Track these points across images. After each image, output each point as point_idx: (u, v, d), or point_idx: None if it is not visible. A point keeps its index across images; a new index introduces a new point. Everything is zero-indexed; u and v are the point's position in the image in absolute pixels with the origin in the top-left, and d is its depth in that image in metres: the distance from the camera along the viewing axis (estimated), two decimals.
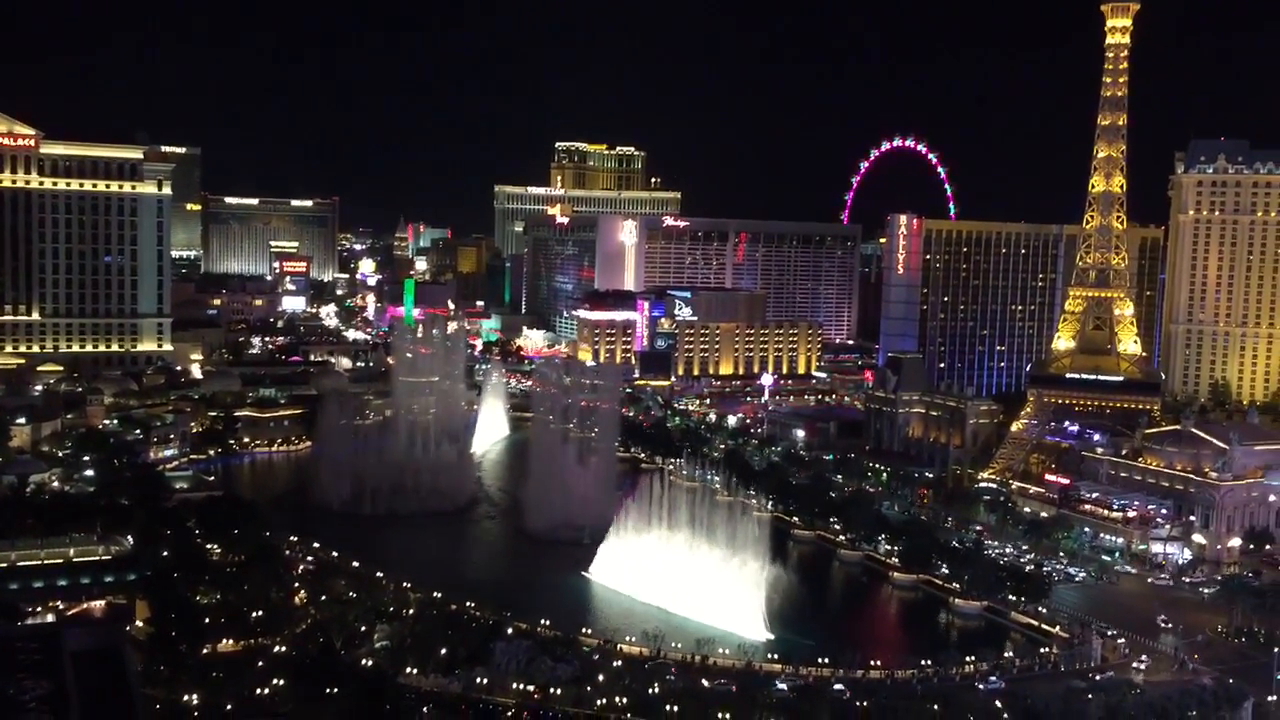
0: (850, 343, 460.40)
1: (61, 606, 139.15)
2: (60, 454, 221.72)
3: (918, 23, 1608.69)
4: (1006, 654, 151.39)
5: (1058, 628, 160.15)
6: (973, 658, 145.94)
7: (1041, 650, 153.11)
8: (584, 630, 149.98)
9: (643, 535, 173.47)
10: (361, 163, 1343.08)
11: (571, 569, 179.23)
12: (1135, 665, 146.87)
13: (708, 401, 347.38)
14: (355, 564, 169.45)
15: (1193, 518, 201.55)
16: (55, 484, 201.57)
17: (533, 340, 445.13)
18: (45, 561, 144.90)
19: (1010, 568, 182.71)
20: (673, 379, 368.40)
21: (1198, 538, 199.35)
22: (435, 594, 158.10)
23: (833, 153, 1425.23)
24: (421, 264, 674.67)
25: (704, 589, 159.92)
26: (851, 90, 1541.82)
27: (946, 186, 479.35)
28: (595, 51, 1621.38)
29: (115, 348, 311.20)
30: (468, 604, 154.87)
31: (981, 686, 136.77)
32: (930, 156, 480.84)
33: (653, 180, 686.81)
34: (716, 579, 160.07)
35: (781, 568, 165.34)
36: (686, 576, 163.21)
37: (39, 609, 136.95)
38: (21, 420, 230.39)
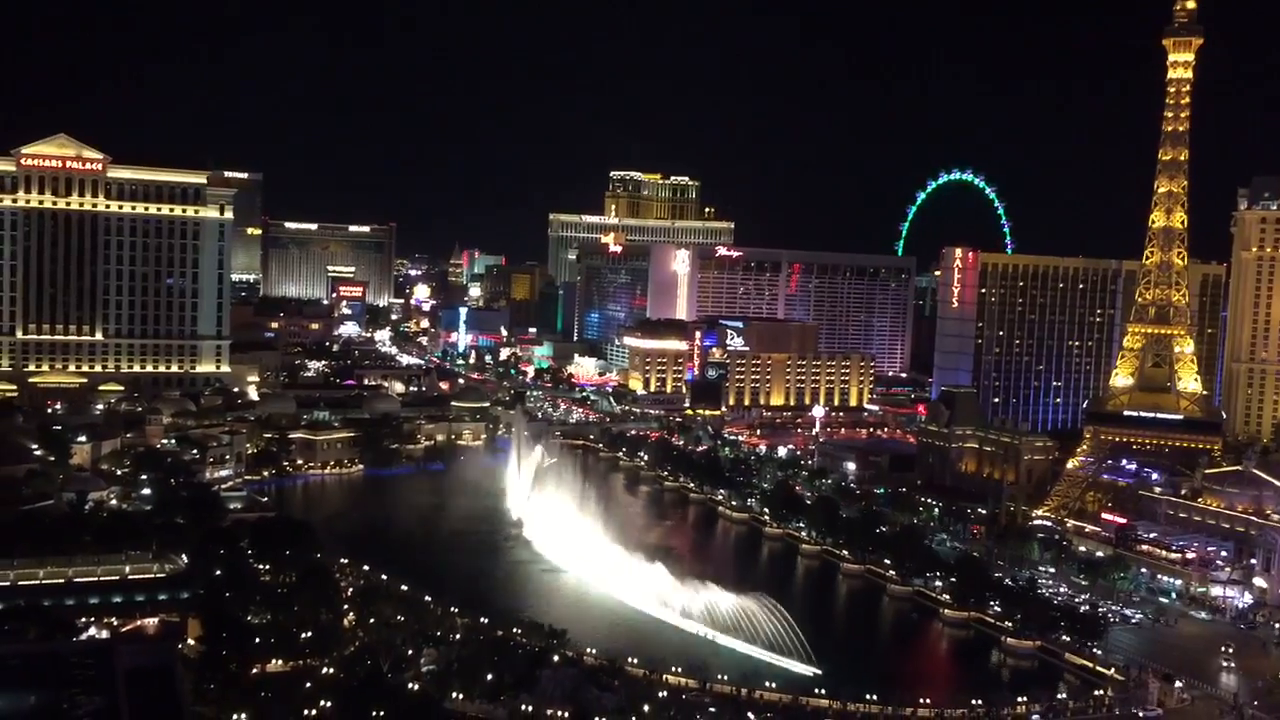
0: (903, 376, 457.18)
1: (115, 623, 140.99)
2: (119, 472, 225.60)
3: (977, 54, 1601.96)
4: (1060, 695, 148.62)
5: (1113, 670, 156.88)
6: (1024, 698, 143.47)
7: (1095, 692, 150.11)
8: (629, 659, 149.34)
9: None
10: (419, 190, 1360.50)
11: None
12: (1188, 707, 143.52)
13: (758, 432, 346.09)
14: (404, 587, 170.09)
15: (1253, 560, 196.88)
16: (113, 502, 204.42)
17: (584, 368, 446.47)
18: (101, 578, 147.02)
19: (1064, 607, 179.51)
20: (723, 409, 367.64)
21: (1259, 581, 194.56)
22: (482, 619, 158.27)
23: (888, 184, 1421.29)
24: (475, 290, 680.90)
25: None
26: (908, 122, 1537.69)
27: (1003, 220, 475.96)
28: (650, 81, 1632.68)
29: (175, 368, 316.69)
30: (514, 630, 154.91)
31: None
32: (987, 189, 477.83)
33: (706, 210, 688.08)
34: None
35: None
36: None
37: (94, 625, 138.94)
38: (82, 438, 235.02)
